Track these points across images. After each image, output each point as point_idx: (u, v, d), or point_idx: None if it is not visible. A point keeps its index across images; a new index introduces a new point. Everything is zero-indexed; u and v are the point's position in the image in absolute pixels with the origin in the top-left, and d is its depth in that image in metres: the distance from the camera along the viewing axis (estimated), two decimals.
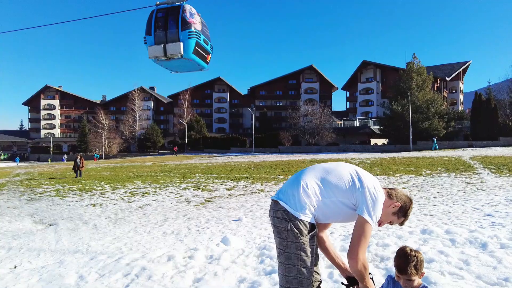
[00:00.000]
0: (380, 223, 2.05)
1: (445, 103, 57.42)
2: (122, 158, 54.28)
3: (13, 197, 13.32)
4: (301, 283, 1.87)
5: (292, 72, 75.47)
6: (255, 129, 61.38)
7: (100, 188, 14.78)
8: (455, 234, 3.73)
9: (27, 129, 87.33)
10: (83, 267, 3.70)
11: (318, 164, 2.13)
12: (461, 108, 61.67)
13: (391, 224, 2.08)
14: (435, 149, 32.46)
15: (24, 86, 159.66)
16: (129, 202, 11.03)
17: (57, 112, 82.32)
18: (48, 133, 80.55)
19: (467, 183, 12.36)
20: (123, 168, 28.13)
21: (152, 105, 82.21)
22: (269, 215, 2.07)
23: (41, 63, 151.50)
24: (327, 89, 74.72)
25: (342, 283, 2.16)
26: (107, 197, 12.16)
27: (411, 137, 34.39)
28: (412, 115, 35.88)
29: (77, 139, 70.87)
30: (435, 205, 8.68)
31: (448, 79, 58.59)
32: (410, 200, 2.08)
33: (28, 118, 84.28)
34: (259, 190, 12.69)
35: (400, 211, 2.00)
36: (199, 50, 5.98)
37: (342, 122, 58.22)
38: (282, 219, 1.90)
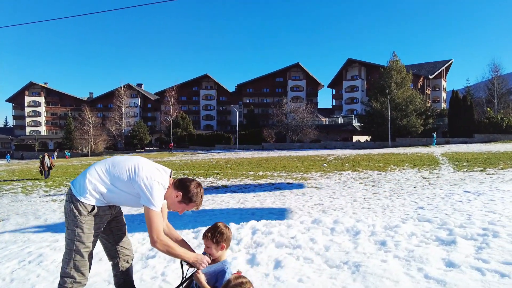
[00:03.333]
0: (178, 212, 2.30)
1: (428, 100, 58.47)
2: (107, 156, 53.94)
3: None
4: (78, 252, 2.15)
5: (279, 70, 75.79)
6: (242, 126, 61.64)
7: None
8: (339, 224, 4.01)
9: (12, 126, 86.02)
10: None
11: (110, 158, 2.37)
12: (444, 105, 62.83)
13: (188, 210, 2.31)
14: (434, 144, 32.18)
15: (7, 83, 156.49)
16: None
17: (42, 109, 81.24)
18: (33, 130, 79.44)
19: (423, 178, 12.84)
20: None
21: (139, 102, 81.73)
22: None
23: (25, 59, 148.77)
24: (313, 86, 75.27)
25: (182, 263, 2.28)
26: None
27: (390, 134, 35.03)
28: (392, 112, 36.53)
29: (63, 137, 70.22)
30: (379, 199, 9.05)
31: (431, 77, 59.58)
32: (196, 186, 2.28)
33: (12, 115, 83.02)
34: (222, 185, 12.97)
35: (185, 199, 2.22)
36: None
37: (327, 119, 58.89)
38: (68, 201, 2.18)
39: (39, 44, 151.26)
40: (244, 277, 1.82)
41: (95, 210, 2.17)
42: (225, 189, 12.17)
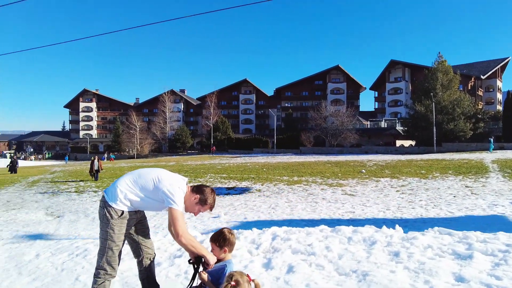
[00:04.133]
0: (194, 213, 2.62)
1: (480, 102, 54.54)
2: (152, 158, 56.87)
3: (39, 192, 14.87)
4: (110, 249, 2.55)
5: (318, 73, 74.95)
6: (280, 130, 61.83)
7: None
8: (358, 233, 4.07)
9: (68, 130, 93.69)
10: (44, 248, 4.52)
11: (136, 170, 2.75)
12: (499, 107, 58.16)
13: (203, 212, 2.64)
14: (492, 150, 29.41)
15: (65, 90, 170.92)
16: None
17: (94, 114, 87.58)
18: (86, 133, 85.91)
19: (466, 187, 12.15)
20: (148, 167, 29.72)
21: (182, 107, 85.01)
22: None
23: (80, 67, 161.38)
24: (354, 89, 73.43)
25: (189, 261, 2.58)
26: None
27: (435, 138, 33.22)
28: (437, 116, 34.62)
29: (112, 140, 75.06)
30: (413, 208, 8.80)
31: (483, 77, 55.51)
32: (211, 191, 2.62)
33: (69, 120, 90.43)
34: (256, 190, 13.26)
35: (201, 201, 2.56)
36: None
37: (369, 123, 57.15)
38: (102, 207, 2.57)
39: (92, 51, 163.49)
40: (237, 273, 2.02)
41: (124, 214, 2.57)
42: (258, 193, 12.46)
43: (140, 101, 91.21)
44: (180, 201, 2.47)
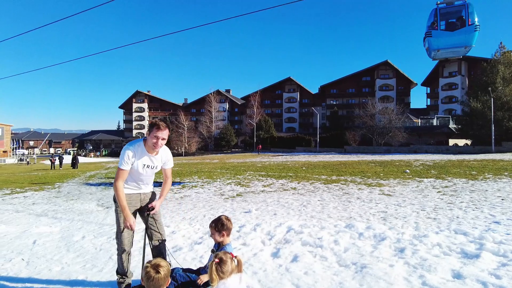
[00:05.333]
0: (158, 145, 3.08)
1: None
2: (198, 156, 59.23)
3: (93, 186, 16.42)
4: (119, 226, 3.11)
5: (365, 69, 72.47)
6: (325, 128, 60.89)
7: (160, 181, 17.15)
8: (370, 230, 4.14)
9: (122, 129, 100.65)
10: (88, 232, 5.19)
11: None
12: None
13: (159, 136, 3.06)
14: None
15: (121, 92, 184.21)
16: (175, 193, 12.84)
17: (146, 114, 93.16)
18: (138, 132, 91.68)
19: None
20: (192, 164, 31.14)
21: (227, 106, 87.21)
22: None
23: (133, 70, 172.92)
24: (404, 85, 69.84)
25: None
26: None
27: (493, 137, 30.59)
28: (497, 112, 31.82)
29: None
30: (451, 209, 8.40)
31: None
32: (154, 122, 3.12)
33: (123, 120, 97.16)
34: (291, 188, 13.40)
35: (150, 129, 3.13)
36: None
37: (419, 120, 54.15)
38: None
39: (144, 56, 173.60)
40: (222, 253, 2.31)
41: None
42: (293, 191, 12.61)
43: (188, 102, 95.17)
44: (125, 160, 3.04)
